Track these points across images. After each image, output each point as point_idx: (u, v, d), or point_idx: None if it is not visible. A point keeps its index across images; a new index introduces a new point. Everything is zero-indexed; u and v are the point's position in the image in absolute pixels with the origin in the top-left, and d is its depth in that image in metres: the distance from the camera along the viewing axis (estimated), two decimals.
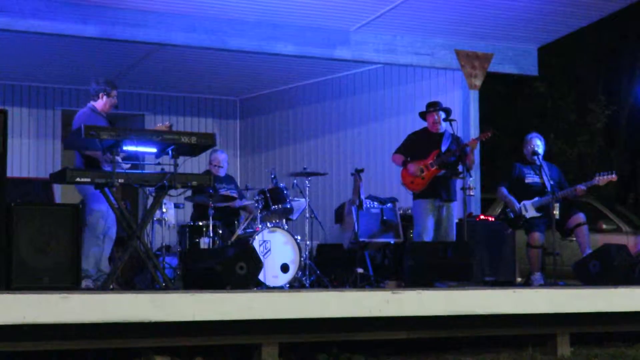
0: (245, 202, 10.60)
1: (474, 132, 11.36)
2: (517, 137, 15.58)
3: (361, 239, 10.31)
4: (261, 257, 8.54)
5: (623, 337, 8.35)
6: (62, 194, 12.37)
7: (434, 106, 9.99)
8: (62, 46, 11.37)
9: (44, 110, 13.57)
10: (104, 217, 8.20)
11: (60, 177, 7.55)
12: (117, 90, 8.83)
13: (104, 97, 8.70)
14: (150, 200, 8.07)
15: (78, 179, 7.47)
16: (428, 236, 9.71)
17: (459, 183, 9.79)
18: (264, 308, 6.69)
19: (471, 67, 11.88)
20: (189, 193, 9.78)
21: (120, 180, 7.51)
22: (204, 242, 9.66)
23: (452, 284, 8.54)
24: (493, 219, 10.83)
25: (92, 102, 8.75)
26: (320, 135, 13.50)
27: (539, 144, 10.10)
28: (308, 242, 10.00)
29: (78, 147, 8.17)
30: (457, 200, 9.92)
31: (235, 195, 10.48)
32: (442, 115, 9.93)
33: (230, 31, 10.88)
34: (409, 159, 9.85)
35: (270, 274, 9.41)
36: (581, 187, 9.81)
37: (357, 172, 10.40)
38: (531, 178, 10.04)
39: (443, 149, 9.82)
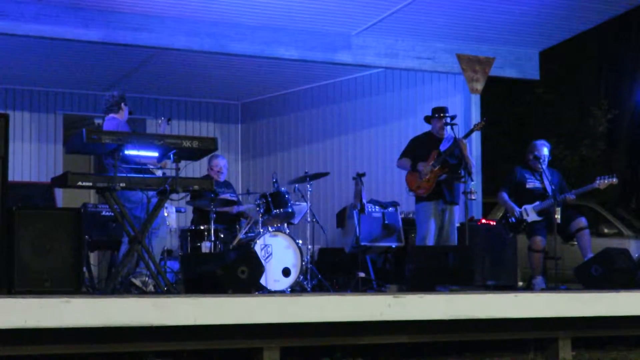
0: (242, 208, 10.60)
1: (475, 135, 11.33)
2: (519, 141, 15.59)
3: (363, 243, 10.32)
4: (262, 261, 8.54)
5: (625, 341, 8.34)
6: (63, 198, 12.37)
7: (442, 112, 9.97)
8: (64, 50, 11.37)
9: (46, 114, 13.57)
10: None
11: (61, 181, 7.56)
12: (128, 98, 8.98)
13: (124, 107, 8.81)
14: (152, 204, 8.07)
15: (79, 183, 7.47)
16: (431, 240, 9.71)
17: (461, 188, 9.78)
18: (266, 312, 6.68)
19: (472, 72, 11.89)
20: (188, 197, 9.78)
21: (121, 184, 7.52)
22: (206, 246, 9.66)
23: (454, 288, 8.53)
24: (494, 223, 10.83)
25: (112, 114, 8.78)
26: (321, 140, 13.51)
27: (545, 153, 10.07)
28: (309, 246, 10.00)
29: (80, 151, 8.18)
30: (459, 204, 9.92)
31: (235, 199, 10.48)
32: (448, 120, 9.92)
33: (231, 35, 10.90)
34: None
35: (272, 278, 9.41)
36: (570, 196, 9.78)
37: (359, 176, 10.42)
38: (532, 183, 10.03)
39: (442, 149, 9.83)
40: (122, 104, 8.83)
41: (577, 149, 18.54)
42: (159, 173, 8.25)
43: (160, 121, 9.47)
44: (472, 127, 10.40)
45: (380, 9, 10.91)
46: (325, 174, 10.87)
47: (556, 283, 9.70)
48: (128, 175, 7.65)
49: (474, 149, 11.37)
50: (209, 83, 13.48)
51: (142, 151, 7.79)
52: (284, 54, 11.26)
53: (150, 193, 7.87)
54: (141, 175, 7.84)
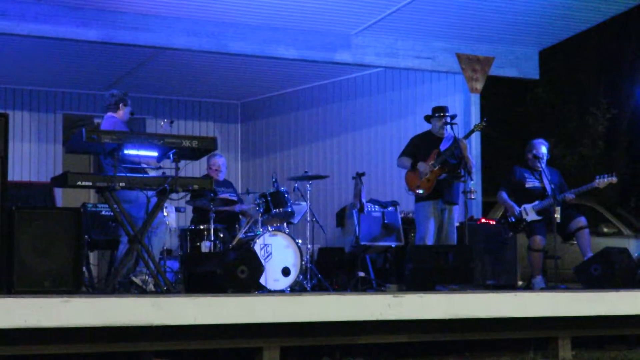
0: (244, 207, 10.60)
1: (474, 135, 11.33)
2: (518, 141, 15.59)
3: (362, 243, 10.32)
4: (262, 261, 8.54)
5: (625, 341, 8.34)
6: (63, 197, 12.38)
7: (442, 111, 9.96)
8: (64, 50, 11.37)
9: (45, 114, 13.57)
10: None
11: (61, 180, 7.56)
12: (129, 98, 8.95)
13: (124, 107, 8.81)
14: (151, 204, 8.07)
15: (79, 183, 7.47)
16: (430, 239, 9.71)
17: (461, 187, 9.77)
18: (265, 312, 6.69)
19: (472, 71, 11.89)
20: (188, 197, 9.78)
21: (121, 184, 7.51)
22: (205, 246, 9.65)
23: (454, 287, 8.54)
24: (494, 223, 10.83)
25: (111, 113, 8.80)
26: (321, 139, 13.51)
27: (544, 152, 10.07)
28: (309, 246, 10.00)
29: (80, 150, 8.18)
30: (458, 204, 9.92)
31: (235, 199, 10.48)
32: (448, 119, 9.91)
33: (231, 35, 10.90)
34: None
35: (272, 277, 9.41)
36: (570, 196, 9.80)
37: (359, 176, 10.42)
38: (532, 182, 10.03)
39: (442, 149, 9.83)
40: (121, 104, 8.84)
41: (576, 148, 18.55)
42: (152, 173, 8.22)
43: (162, 123, 9.47)
44: (472, 127, 10.40)
45: (380, 8, 10.91)
46: (324, 177, 10.88)
47: (556, 282, 9.70)
48: (127, 175, 7.65)
49: (473, 148, 11.38)
50: (209, 83, 13.48)
51: (141, 151, 7.79)
52: (284, 54, 11.26)
53: (149, 193, 7.87)
54: (140, 175, 7.84)
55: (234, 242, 9.70)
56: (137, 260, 8.35)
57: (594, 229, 11.90)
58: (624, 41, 19.16)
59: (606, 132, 19.07)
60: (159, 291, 7.70)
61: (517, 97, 19.17)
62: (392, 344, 7.38)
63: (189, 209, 10.78)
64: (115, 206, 7.68)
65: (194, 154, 7.99)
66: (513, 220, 9.98)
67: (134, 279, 8.33)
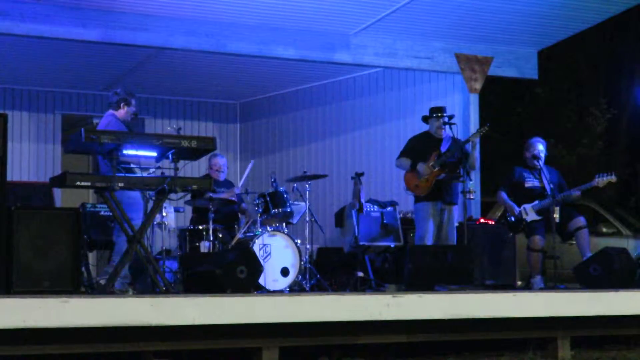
0: (243, 205, 10.60)
1: None
2: (517, 140, 15.60)
3: (361, 243, 10.32)
4: (261, 261, 8.54)
5: (624, 341, 8.34)
6: (62, 197, 12.37)
7: (440, 112, 9.95)
8: (62, 50, 11.37)
9: (44, 114, 13.58)
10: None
11: (60, 181, 7.55)
12: (135, 99, 8.93)
13: (125, 107, 8.81)
14: (150, 204, 8.07)
15: (78, 183, 7.46)
16: (429, 239, 9.71)
17: (460, 187, 9.77)
18: (264, 312, 6.68)
19: (471, 71, 11.89)
20: (188, 197, 9.77)
21: (120, 184, 7.51)
22: (204, 246, 9.65)
23: (453, 287, 8.54)
24: (493, 223, 10.82)
25: (112, 111, 8.83)
26: (320, 139, 13.50)
27: (541, 149, 10.07)
28: (308, 246, 10.00)
29: (79, 150, 8.17)
30: (458, 204, 9.91)
31: (235, 199, 10.48)
32: (445, 120, 9.90)
33: (230, 35, 10.90)
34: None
35: (271, 277, 9.41)
36: (576, 193, 9.79)
37: (357, 176, 10.42)
38: (531, 182, 10.03)
39: (443, 150, 9.81)
40: (123, 104, 8.85)
41: (575, 148, 18.56)
42: (141, 173, 8.20)
43: (169, 128, 9.48)
44: (475, 130, 10.38)
45: (379, 8, 10.91)
46: (323, 176, 10.87)
47: (555, 282, 9.70)
48: (126, 175, 7.65)
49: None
50: (207, 83, 13.48)
51: (140, 151, 7.79)
52: (283, 54, 11.26)
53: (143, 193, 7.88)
54: (139, 175, 7.84)
55: (233, 242, 9.70)
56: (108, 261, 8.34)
57: (593, 229, 11.90)
58: (623, 41, 19.17)
59: (605, 132, 19.08)
60: (157, 291, 7.70)
61: (516, 97, 19.18)
62: (391, 344, 7.38)
63: (188, 209, 10.79)
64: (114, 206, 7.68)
65: (192, 154, 7.99)
66: (513, 220, 9.97)
67: (101, 282, 8.31)
